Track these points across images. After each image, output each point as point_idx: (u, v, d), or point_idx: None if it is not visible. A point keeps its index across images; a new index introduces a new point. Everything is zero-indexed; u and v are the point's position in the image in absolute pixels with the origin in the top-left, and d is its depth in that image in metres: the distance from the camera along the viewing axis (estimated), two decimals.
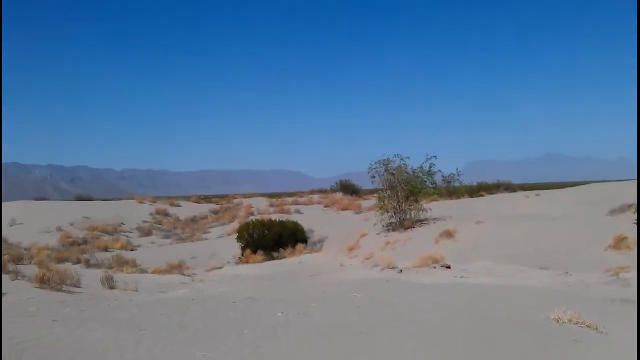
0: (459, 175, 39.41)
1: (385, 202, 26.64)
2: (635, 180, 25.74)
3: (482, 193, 42.40)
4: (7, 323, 8.89)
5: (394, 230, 25.55)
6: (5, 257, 24.52)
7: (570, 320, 9.22)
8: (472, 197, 40.20)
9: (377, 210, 27.16)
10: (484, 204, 33.08)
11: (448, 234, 22.16)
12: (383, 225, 26.38)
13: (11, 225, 39.05)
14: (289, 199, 48.33)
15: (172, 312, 10.69)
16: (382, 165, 26.74)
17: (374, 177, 27.14)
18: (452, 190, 40.77)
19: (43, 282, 16.81)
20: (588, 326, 9.07)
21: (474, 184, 47.72)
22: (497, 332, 8.90)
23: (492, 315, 10.14)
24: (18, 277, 17.92)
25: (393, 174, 26.50)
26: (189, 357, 7.50)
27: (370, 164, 27.01)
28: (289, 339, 8.56)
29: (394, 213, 26.43)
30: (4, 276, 18.18)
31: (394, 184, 26.56)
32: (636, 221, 18.62)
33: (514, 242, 20.26)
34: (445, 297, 12.36)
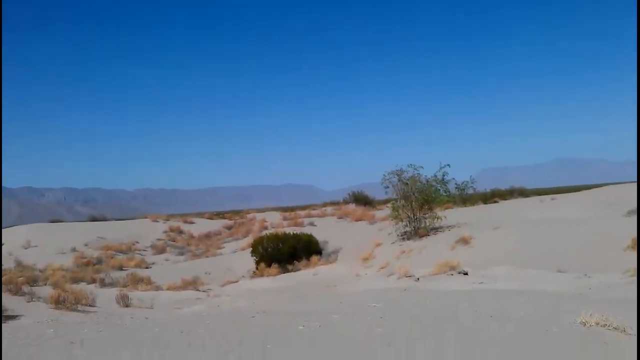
0: (472, 183, 39.26)
1: (400, 211, 26.46)
2: None
3: (496, 199, 42.19)
4: (23, 347, 8.68)
5: (409, 239, 25.39)
6: (20, 279, 24.50)
7: (597, 324, 8.96)
8: (486, 203, 39.95)
9: (392, 220, 26.99)
10: (499, 210, 32.86)
11: (464, 241, 21.94)
12: (398, 235, 26.22)
13: (26, 248, 39.08)
14: (302, 212, 48.15)
15: (193, 329, 10.50)
16: (395, 176, 26.60)
17: (387, 187, 27.00)
18: (466, 198, 40.58)
19: (58, 302, 16.73)
20: (615, 328, 8.82)
21: (488, 190, 47.51)
22: (532, 338, 8.65)
23: (521, 321, 9.88)
24: (33, 299, 17.89)
25: (407, 183, 26.35)
26: None
27: (384, 175, 26.90)
28: (313, 353, 8.34)
29: (409, 222, 26.27)
30: (19, 298, 18.18)
31: (408, 194, 26.39)
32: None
33: (532, 247, 20.00)
34: (468, 304, 12.10)
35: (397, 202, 27.09)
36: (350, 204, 51.31)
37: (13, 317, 15.07)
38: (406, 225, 26.32)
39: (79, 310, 16.58)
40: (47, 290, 20.48)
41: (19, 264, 33.43)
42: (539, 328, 9.24)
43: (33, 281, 24.68)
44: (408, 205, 26.38)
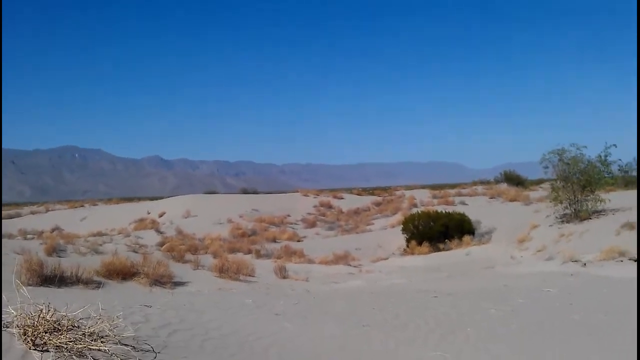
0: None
1: (559, 192, 25.28)
2: None
3: None
4: (235, 317, 8.83)
5: (568, 222, 24.19)
6: (182, 247, 25.92)
7: None
8: None
9: (550, 201, 25.85)
10: None
11: (631, 226, 20.58)
12: (556, 217, 25.09)
13: (185, 218, 41.27)
14: (452, 191, 47.44)
15: (383, 307, 10.48)
16: (556, 155, 25.38)
17: (546, 167, 25.81)
18: (628, 180, 38.29)
19: (222, 271, 17.52)
20: None
21: None
22: None
23: None
24: (198, 267, 18.84)
25: (568, 164, 25.07)
26: (424, 357, 7.21)
27: (543, 154, 25.72)
28: (516, 340, 8.06)
29: (569, 204, 25.04)
30: (184, 265, 19.20)
31: (568, 175, 25.15)
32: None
33: None
34: None
35: (556, 182, 25.90)
36: (502, 183, 49.98)
37: (183, 284, 15.95)
38: (566, 208, 25.09)
39: (240, 280, 17.26)
40: (208, 259, 21.50)
41: (179, 232, 35.34)
42: None
43: (194, 250, 26.00)
44: (568, 186, 25.14)
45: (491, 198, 40.38)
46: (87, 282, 14.29)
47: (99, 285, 14.60)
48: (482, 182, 54.07)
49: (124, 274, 15.62)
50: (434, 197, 44.21)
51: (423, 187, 58.50)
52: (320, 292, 13.94)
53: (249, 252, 27.04)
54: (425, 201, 42.35)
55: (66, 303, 5.93)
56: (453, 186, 56.85)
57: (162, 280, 15.64)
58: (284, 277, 18.42)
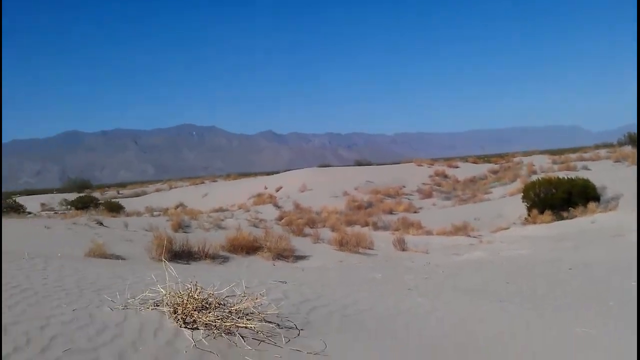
0: None
1: None
2: None
3: None
4: (366, 292, 8.87)
5: None
6: (301, 221, 26.40)
7: None
8: None
9: None
10: None
11: None
12: None
13: (302, 192, 41.98)
14: (573, 155, 45.72)
15: (513, 279, 10.28)
16: None
17: None
18: None
19: (342, 244, 17.75)
20: None
21: None
22: None
23: None
24: (318, 241, 19.17)
25: None
26: (568, 333, 7.05)
27: None
28: None
29: None
30: (304, 239, 19.59)
31: None
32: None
33: None
34: None
35: None
36: (626, 145, 47.65)
37: (304, 257, 16.30)
38: None
39: (360, 253, 17.43)
40: (326, 232, 21.81)
41: (297, 206, 36.03)
42: None
43: (312, 223, 26.43)
44: None
45: (616, 162, 38.59)
46: (213, 257, 14.94)
47: (225, 259, 15.21)
48: (605, 146, 51.87)
49: (247, 248, 16.18)
50: (554, 162, 42.78)
51: (542, 152, 56.72)
52: (442, 265, 13.82)
53: (366, 224, 27.21)
54: (545, 167, 41.07)
55: (212, 283, 6.18)
56: (574, 150, 54.81)
57: (284, 254, 16.08)
58: (403, 250, 18.40)
